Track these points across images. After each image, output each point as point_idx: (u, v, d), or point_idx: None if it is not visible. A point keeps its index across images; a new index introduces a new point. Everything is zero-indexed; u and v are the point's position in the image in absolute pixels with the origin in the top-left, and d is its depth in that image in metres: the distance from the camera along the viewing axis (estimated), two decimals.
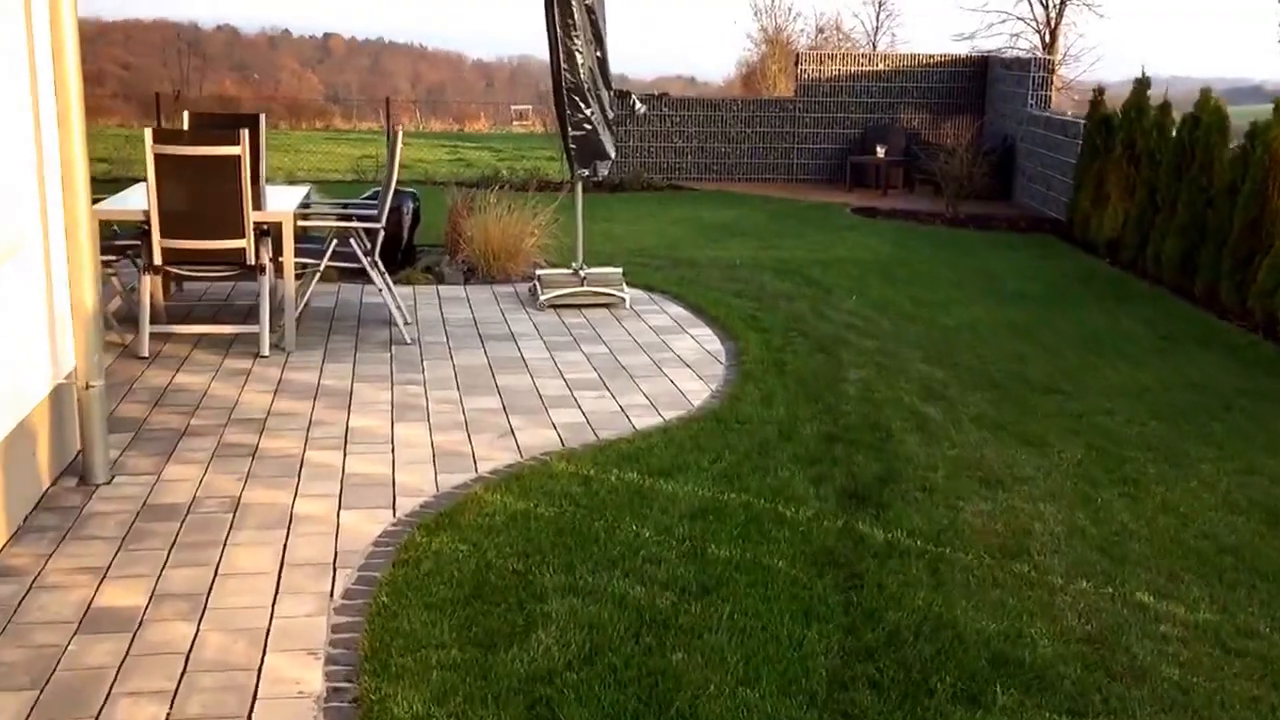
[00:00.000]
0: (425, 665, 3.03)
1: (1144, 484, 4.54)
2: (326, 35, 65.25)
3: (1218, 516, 4.30)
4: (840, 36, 27.80)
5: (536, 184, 13.20)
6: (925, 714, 2.89)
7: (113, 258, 6.45)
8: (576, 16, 7.14)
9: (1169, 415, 5.47)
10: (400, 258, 8.57)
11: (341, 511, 4.05)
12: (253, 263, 6.05)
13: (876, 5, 30.06)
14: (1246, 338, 7.55)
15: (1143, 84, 10.75)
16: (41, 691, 2.89)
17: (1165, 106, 10.34)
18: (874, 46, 28.74)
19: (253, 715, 2.83)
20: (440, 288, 8.02)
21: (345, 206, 7.70)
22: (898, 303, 8.04)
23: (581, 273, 7.57)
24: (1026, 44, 28.36)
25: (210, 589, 3.45)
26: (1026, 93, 14.16)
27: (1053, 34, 29.19)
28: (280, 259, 6.20)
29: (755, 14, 27.59)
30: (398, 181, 6.89)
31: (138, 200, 6.11)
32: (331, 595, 3.44)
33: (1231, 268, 8.40)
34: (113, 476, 4.28)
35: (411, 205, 8.78)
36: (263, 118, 7.36)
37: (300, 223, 6.54)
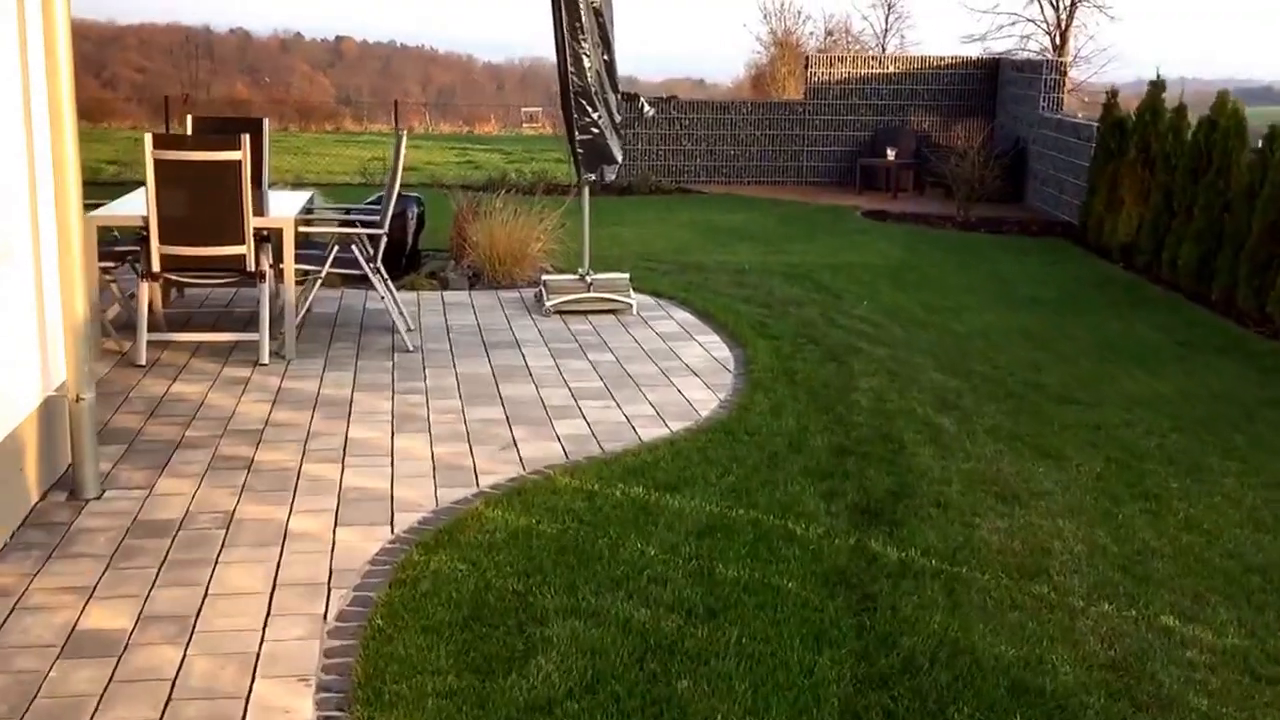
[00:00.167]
0: (420, 693, 2.91)
1: (1166, 499, 4.39)
2: (338, 38, 65.44)
3: (1244, 534, 4.15)
4: (849, 39, 27.68)
5: (544, 187, 13.12)
6: None
7: (111, 264, 6.36)
8: (584, 19, 7.02)
9: (1190, 426, 5.32)
10: (405, 263, 8.47)
11: (338, 528, 3.94)
12: (253, 270, 5.95)
13: (885, 7, 29.90)
14: (1266, 345, 7.40)
15: (1157, 86, 10.60)
16: None
17: (1181, 109, 10.19)
18: (883, 48, 28.60)
19: None
20: (445, 293, 7.90)
21: (348, 212, 7.60)
22: (909, 309, 7.90)
23: (588, 279, 7.45)
24: (1037, 46, 28.19)
25: (199, 611, 3.33)
26: (1038, 95, 14.01)
27: (1063, 36, 29.01)
28: (281, 266, 6.09)
29: (764, 17, 27.48)
30: (402, 185, 6.78)
31: (137, 206, 6.00)
32: (325, 617, 3.32)
33: (1250, 273, 8.25)
34: (103, 491, 4.17)
35: (416, 210, 8.68)
36: (265, 122, 7.27)
37: (302, 229, 6.43)
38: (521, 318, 7.18)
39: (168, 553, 3.70)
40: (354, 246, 6.46)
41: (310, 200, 7.15)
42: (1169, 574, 3.74)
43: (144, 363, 5.84)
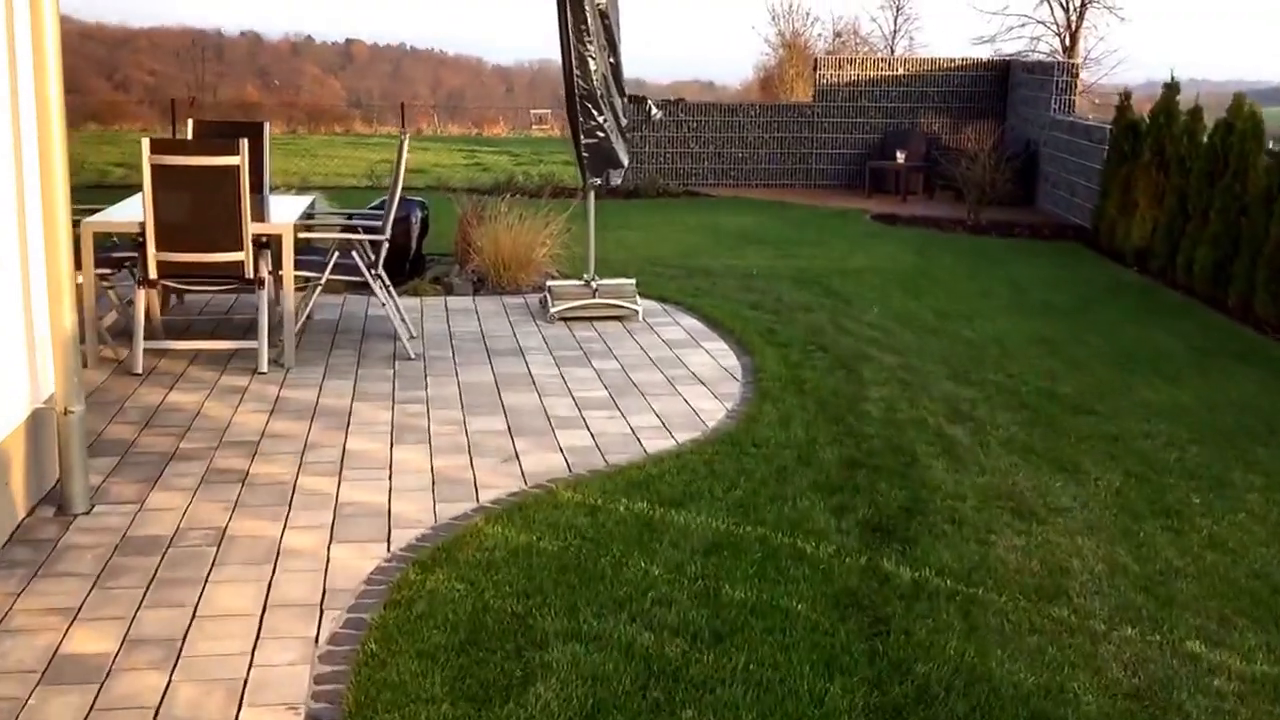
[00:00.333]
0: None
1: (1188, 516, 4.25)
2: (349, 41, 65.55)
3: (1270, 553, 4.01)
4: (858, 40, 27.54)
5: (551, 191, 13.00)
6: None
7: (109, 270, 6.26)
8: (589, 21, 6.90)
9: (1210, 438, 5.17)
10: (408, 268, 8.36)
11: (332, 545, 3.82)
12: (251, 276, 5.84)
13: (894, 9, 29.74)
14: None
15: (1172, 88, 10.44)
16: None
17: (1196, 111, 10.02)
18: (892, 50, 28.45)
19: None
20: (448, 299, 7.79)
21: (350, 217, 7.50)
22: (920, 315, 7.76)
23: (593, 284, 7.33)
24: (1047, 47, 28.02)
25: (186, 633, 3.21)
26: (1050, 97, 13.85)
27: (1073, 37, 28.83)
28: (280, 272, 5.98)
29: (773, 18, 27.35)
30: (408, 189, 6.68)
31: (134, 211, 5.90)
32: (317, 641, 3.20)
33: (1268, 278, 8.09)
34: (93, 505, 4.06)
35: (420, 214, 8.57)
36: (267, 126, 7.17)
37: (302, 235, 6.32)
38: (526, 324, 7.07)
39: (156, 571, 3.58)
40: (355, 253, 6.34)
41: (311, 205, 7.05)
42: (1193, 595, 3.60)
43: (141, 371, 5.74)
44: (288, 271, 5.93)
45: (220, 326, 6.75)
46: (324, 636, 3.22)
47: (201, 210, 5.68)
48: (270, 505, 4.13)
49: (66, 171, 3.78)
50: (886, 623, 3.33)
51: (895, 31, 29.37)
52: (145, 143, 5.57)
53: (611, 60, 7.16)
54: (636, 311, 7.26)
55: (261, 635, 3.21)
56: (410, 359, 6.16)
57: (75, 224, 5.90)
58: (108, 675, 2.99)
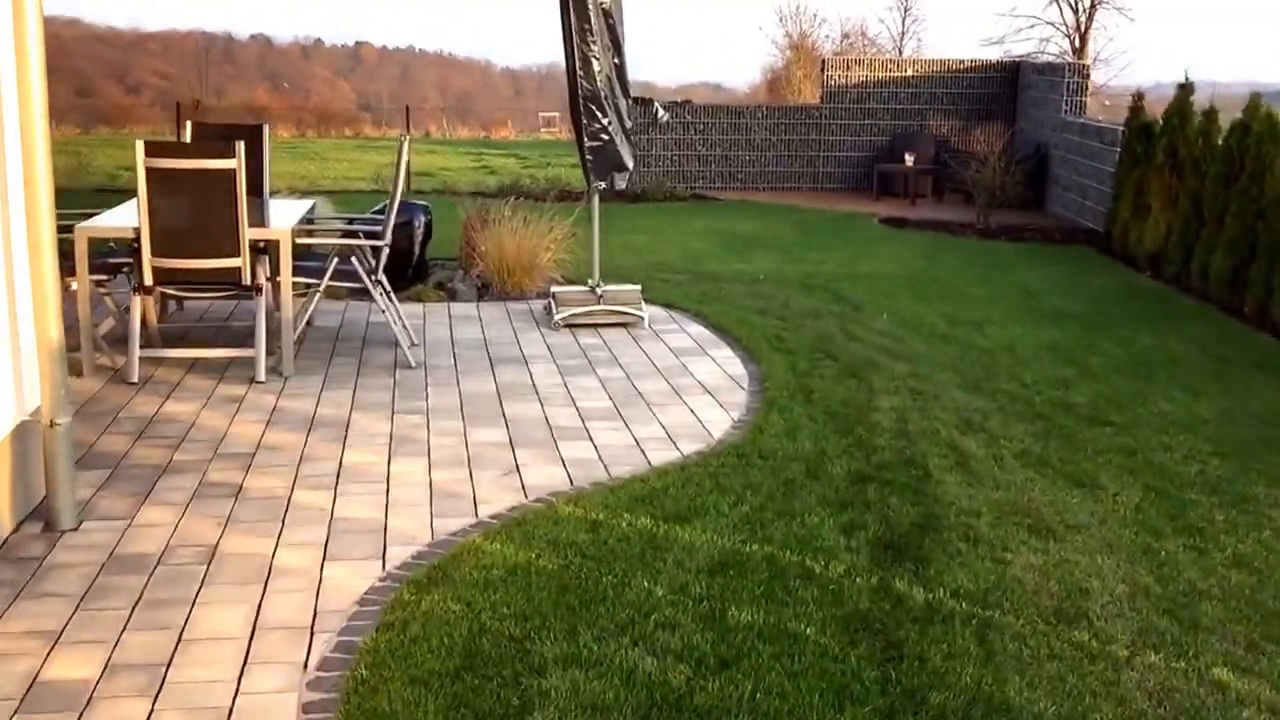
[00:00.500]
0: None
1: (1211, 534, 4.10)
2: (358, 44, 65.62)
3: None
4: (865, 42, 27.40)
5: (557, 194, 12.87)
6: None
7: (105, 277, 6.15)
8: (593, 22, 6.78)
9: (1232, 451, 5.02)
10: (411, 273, 8.24)
11: (326, 563, 3.70)
12: (249, 283, 5.73)
13: (902, 10, 29.59)
14: None
15: (1186, 89, 10.27)
16: None
17: (1211, 113, 9.86)
18: (900, 52, 28.30)
19: None
20: (452, 305, 7.68)
21: (350, 222, 7.39)
22: (930, 321, 7.63)
23: (598, 290, 7.21)
24: (1056, 49, 27.86)
25: (171, 658, 3.09)
26: (1060, 99, 13.70)
27: (1082, 38, 28.66)
28: (278, 278, 5.87)
29: (780, 19, 27.22)
30: (413, 192, 6.56)
31: (130, 216, 5.79)
32: (306, 666, 3.08)
33: None
34: (80, 521, 3.94)
35: (423, 219, 8.45)
36: (266, 128, 7.05)
37: (300, 240, 6.20)
38: (530, 331, 6.95)
39: (143, 592, 3.46)
40: (354, 258, 6.23)
41: (312, 209, 6.94)
42: (1219, 619, 3.45)
43: (136, 380, 5.63)
44: (286, 278, 5.82)
45: (219, 334, 6.64)
46: (313, 661, 3.10)
47: (198, 215, 5.57)
48: (263, 521, 4.02)
49: (50, 175, 3.67)
50: (899, 648, 3.19)
51: (903, 33, 29.24)
52: (139, 145, 5.46)
53: (616, 61, 7.04)
54: (642, 318, 7.13)
55: (249, 660, 3.10)
56: (411, 367, 6.04)
57: (69, 229, 5.85)
58: (88, 703, 2.88)
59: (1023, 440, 5.08)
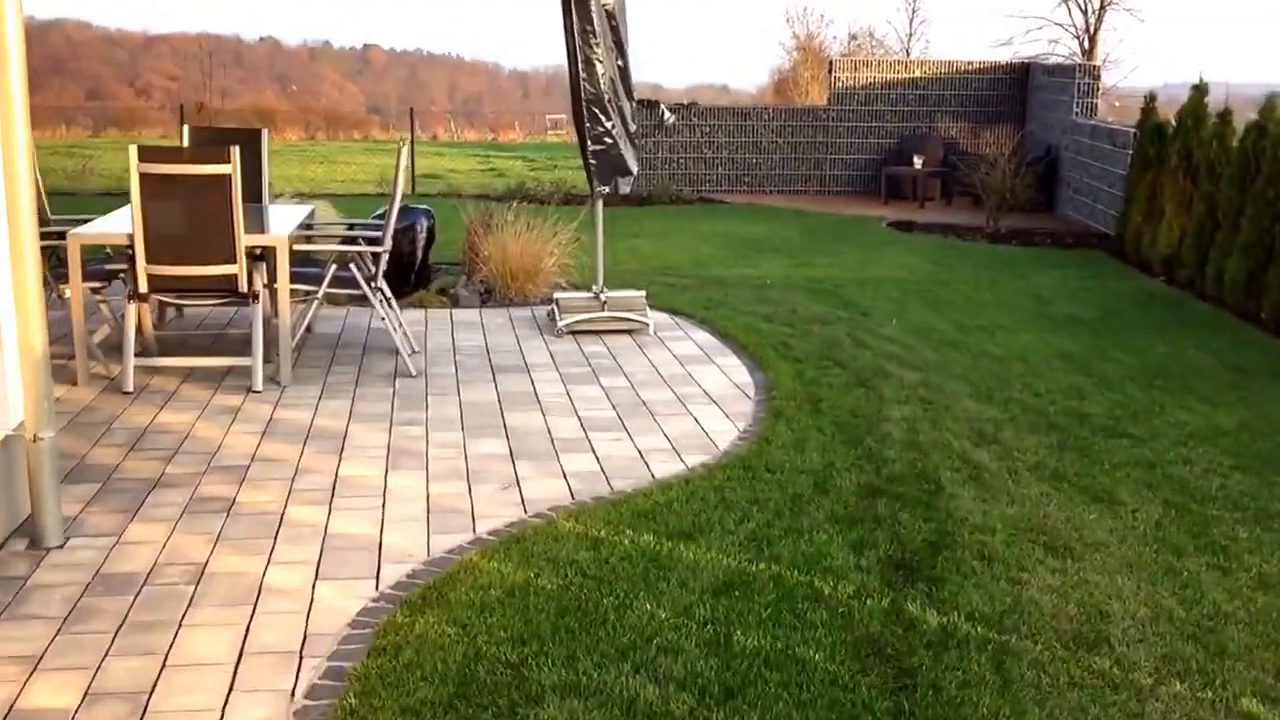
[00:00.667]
0: None
1: (1235, 552, 3.96)
2: (366, 47, 65.67)
3: None
4: (873, 43, 27.25)
5: (562, 197, 12.74)
6: None
7: (101, 283, 6.05)
8: (596, 23, 6.66)
9: (1253, 465, 4.88)
10: (414, 279, 8.13)
11: (318, 583, 3.58)
12: (245, 290, 5.62)
13: (910, 11, 29.42)
14: None
15: (1200, 91, 10.12)
16: None
17: (1226, 114, 9.70)
18: (907, 53, 28.14)
19: None
20: (454, 311, 7.56)
21: (351, 227, 7.28)
22: (940, 328, 7.49)
23: (602, 296, 7.09)
24: (1065, 50, 27.67)
25: (154, 686, 2.97)
26: (1071, 100, 13.54)
27: (1092, 39, 28.46)
28: (276, 286, 5.76)
29: (788, 21, 27.09)
30: (420, 196, 6.45)
31: (124, 222, 5.68)
32: (293, 694, 2.96)
33: None
34: (67, 538, 3.83)
35: (426, 223, 8.33)
36: (265, 133, 6.95)
37: (298, 246, 6.09)
38: (533, 338, 6.83)
39: (128, 614, 3.35)
40: (352, 265, 6.11)
41: (310, 214, 6.82)
42: (1246, 644, 3.31)
43: (131, 389, 5.52)
44: (282, 285, 5.71)
45: (217, 341, 6.53)
46: (301, 689, 2.98)
47: (193, 221, 5.47)
48: (254, 538, 3.90)
49: (32, 182, 3.56)
50: (912, 675, 3.06)
51: (911, 34, 29.07)
52: (133, 150, 5.36)
53: (620, 63, 6.91)
54: (647, 325, 7.01)
55: (234, 687, 2.98)
56: (411, 376, 5.92)
57: (61, 235, 5.75)
58: None
59: (1037, 452, 4.94)
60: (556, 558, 3.73)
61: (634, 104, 7.20)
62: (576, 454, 4.80)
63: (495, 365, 6.20)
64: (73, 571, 3.60)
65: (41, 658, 3.10)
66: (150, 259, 5.47)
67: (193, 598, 3.46)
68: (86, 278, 5.75)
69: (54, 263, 5.97)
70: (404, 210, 7.89)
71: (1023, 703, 2.96)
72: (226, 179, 5.40)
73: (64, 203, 10.78)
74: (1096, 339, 7.33)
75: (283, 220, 6.21)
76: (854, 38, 26.53)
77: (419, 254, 8.27)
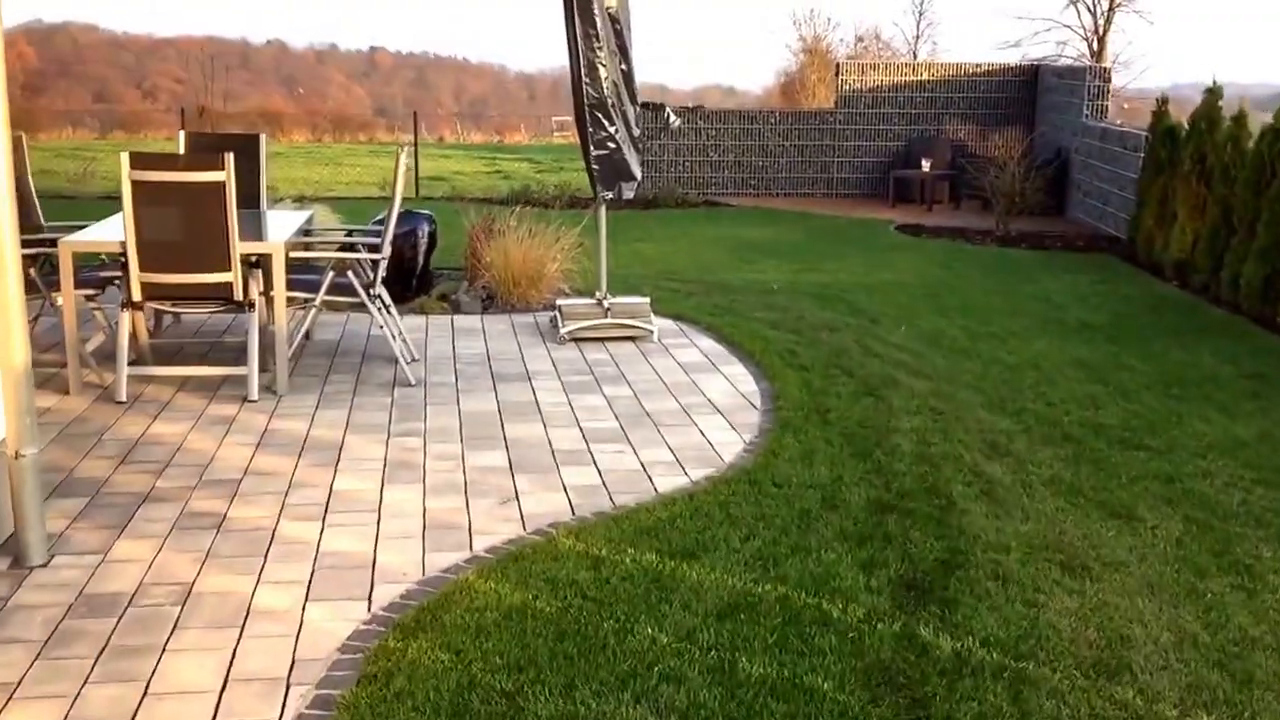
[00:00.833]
0: None
1: (1259, 572, 3.82)
2: (373, 49, 65.69)
3: None
4: (880, 45, 27.11)
5: (566, 201, 12.63)
6: None
7: (95, 291, 5.94)
8: (599, 26, 6.54)
9: (1275, 479, 4.73)
10: (415, 284, 8.02)
11: (308, 604, 3.46)
12: (241, 298, 5.50)
13: (917, 13, 29.26)
14: None
15: (1214, 93, 9.96)
16: None
17: (1240, 117, 9.54)
18: (914, 55, 27.98)
19: None
20: (455, 317, 7.45)
21: (349, 233, 7.16)
22: (951, 335, 7.35)
23: (605, 303, 6.96)
24: (1074, 51, 27.50)
25: (135, 715, 2.85)
26: (1081, 103, 13.40)
27: (1100, 41, 28.27)
28: (272, 293, 5.64)
29: (794, 23, 26.95)
30: (419, 200, 6.34)
31: (117, 229, 5.58)
32: None
33: None
34: (51, 556, 3.71)
35: (427, 228, 8.23)
36: (262, 138, 6.84)
37: (294, 254, 5.98)
38: (535, 346, 6.70)
39: (110, 637, 3.23)
40: (349, 272, 6.00)
41: (309, 220, 6.71)
42: (1275, 671, 3.17)
43: (124, 399, 5.41)
44: (279, 293, 5.59)
45: (213, 349, 6.42)
46: (287, 719, 2.85)
47: (187, 228, 5.36)
48: (244, 556, 3.78)
49: (12, 192, 3.44)
50: (926, 706, 2.93)
51: (918, 36, 28.91)
52: (124, 157, 5.25)
53: (623, 67, 6.79)
54: (651, 331, 6.89)
55: (218, 716, 2.85)
56: (410, 385, 5.80)
57: (53, 243, 5.64)
58: None
59: (1052, 465, 4.80)
60: (555, 578, 3.61)
61: (638, 108, 7.08)
62: (578, 466, 4.68)
63: (496, 373, 6.08)
64: (56, 592, 3.49)
65: (19, 685, 2.98)
66: (144, 267, 5.36)
67: (178, 620, 3.34)
68: (80, 284, 5.65)
69: (47, 270, 5.87)
70: (405, 215, 7.79)
71: None
72: (220, 186, 5.28)
73: (64, 206, 10.67)
74: (1110, 346, 7.19)
75: (280, 227, 6.10)
76: (860, 40, 26.40)
77: (420, 259, 8.16)
